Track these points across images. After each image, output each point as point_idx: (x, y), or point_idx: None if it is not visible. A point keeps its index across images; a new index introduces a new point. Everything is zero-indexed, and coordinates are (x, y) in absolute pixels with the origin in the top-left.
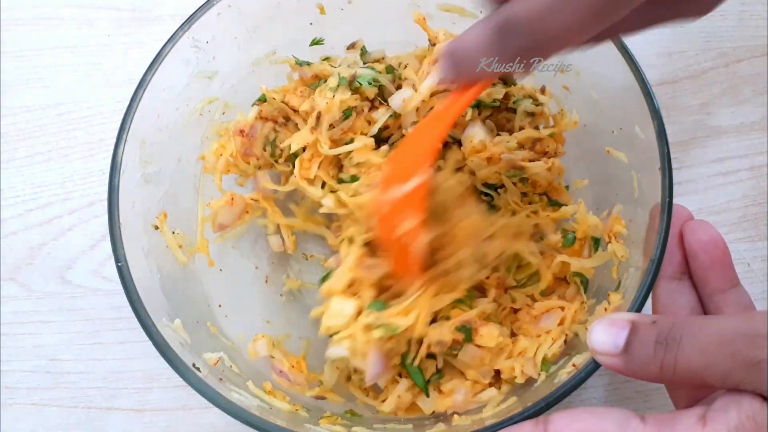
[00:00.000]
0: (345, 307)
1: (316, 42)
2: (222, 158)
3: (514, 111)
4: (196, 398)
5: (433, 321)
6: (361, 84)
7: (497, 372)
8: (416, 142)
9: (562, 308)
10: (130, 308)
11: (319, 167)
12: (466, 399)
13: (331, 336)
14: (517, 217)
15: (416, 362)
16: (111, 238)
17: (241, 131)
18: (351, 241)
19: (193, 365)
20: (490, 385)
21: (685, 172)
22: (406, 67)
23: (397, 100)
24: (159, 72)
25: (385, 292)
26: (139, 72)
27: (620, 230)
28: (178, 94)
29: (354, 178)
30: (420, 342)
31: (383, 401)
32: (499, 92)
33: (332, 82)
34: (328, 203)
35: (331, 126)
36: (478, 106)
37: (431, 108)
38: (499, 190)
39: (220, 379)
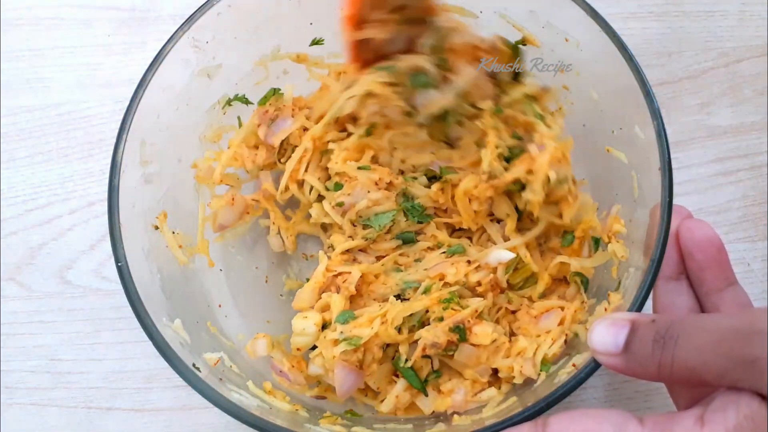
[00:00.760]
0: (306, 325)
1: (316, 42)
2: (219, 166)
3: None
4: (195, 398)
5: (424, 324)
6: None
7: (496, 371)
8: None
9: (562, 308)
10: (130, 308)
11: (306, 169)
12: (466, 399)
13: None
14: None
15: (409, 363)
16: (111, 238)
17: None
18: (332, 248)
19: (193, 365)
20: (490, 384)
21: (685, 172)
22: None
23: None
24: (159, 72)
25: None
26: (139, 72)
27: (620, 230)
28: (178, 94)
29: (338, 186)
30: (411, 344)
31: (382, 401)
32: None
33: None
34: (314, 213)
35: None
36: None
37: None
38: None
39: (220, 379)
